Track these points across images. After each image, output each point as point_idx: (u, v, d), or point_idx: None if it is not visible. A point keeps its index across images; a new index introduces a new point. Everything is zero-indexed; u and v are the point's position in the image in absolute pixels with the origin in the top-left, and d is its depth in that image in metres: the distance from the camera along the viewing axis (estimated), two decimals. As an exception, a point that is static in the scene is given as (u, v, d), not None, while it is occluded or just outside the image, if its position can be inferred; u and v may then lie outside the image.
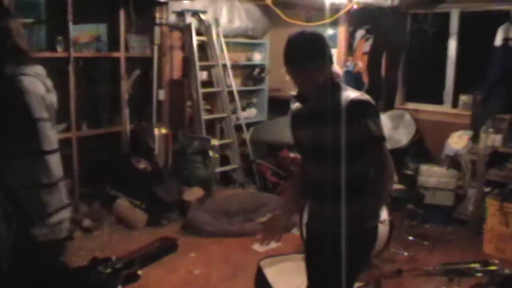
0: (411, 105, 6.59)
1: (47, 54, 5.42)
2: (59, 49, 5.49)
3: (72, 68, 5.59)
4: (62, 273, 3.85)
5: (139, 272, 4.31)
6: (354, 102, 2.48)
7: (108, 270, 4.15)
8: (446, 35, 6.23)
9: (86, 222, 5.28)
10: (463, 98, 6.09)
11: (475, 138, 5.55)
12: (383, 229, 4.41)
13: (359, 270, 2.75)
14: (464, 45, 6.15)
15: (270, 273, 3.84)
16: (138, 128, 6.28)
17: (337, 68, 5.95)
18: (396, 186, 5.64)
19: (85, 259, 4.29)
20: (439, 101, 6.42)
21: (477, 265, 4.20)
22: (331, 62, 2.62)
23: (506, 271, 4.04)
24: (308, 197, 2.84)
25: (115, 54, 6.05)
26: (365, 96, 2.56)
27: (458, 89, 6.23)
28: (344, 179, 2.50)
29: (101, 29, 5.91)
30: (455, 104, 6.25)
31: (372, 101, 2.55)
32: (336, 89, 2.58)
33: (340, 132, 2.45)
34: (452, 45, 6.20)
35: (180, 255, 4.86)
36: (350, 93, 2.54)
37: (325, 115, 2.55)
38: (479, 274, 4.12)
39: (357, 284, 3.78)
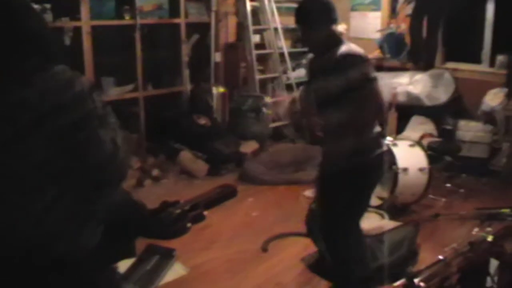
0: (451, 65, 6.67)
1: (116, 22, 5.82)
2: (126, 17, 5.83)
3: (138, 34, 5.90)
4: (141, 213, 4.46)
5: (205, 213, 4.83)
6: (342, 55, 2.80)
7: (178, 211, 4.68)
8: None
9: (155, 172, 5.67)
10: (500, 58, 6.18)
11: (510, 96, 5.68)
12: (423, 177, 4.74)
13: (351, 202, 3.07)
14: (502, 7, 6.22)
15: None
16: (197, 88, 6.56)
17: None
18: (436, 139, 5.93)
19: (156, 203, 4.82)
20: (477, 60, 6.53)
21: (507, 211, 4.60)
22: (329, 23, 2.93)
23: (533, 217, 4.41)
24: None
25: (176, 21, 6.36)
26: (355, 50, 2.84)
27: (495, 50, 6.32)
28: (340, 124, 2.85)
29: (163, -2, 6.21)
30: (492, 64, 6.35)
31: (360, 53, 2.83)
32: (334, 45, 2.89)
33: (332, 81, 2.76)
34: (490, 8, 6.31)
35: (238, 200, 5.12)
36: (343, 48, 2.84)
37: (322, 68, 2.94)
38: (509, 218, 4.50)
39: (398, 223, 4.23)
